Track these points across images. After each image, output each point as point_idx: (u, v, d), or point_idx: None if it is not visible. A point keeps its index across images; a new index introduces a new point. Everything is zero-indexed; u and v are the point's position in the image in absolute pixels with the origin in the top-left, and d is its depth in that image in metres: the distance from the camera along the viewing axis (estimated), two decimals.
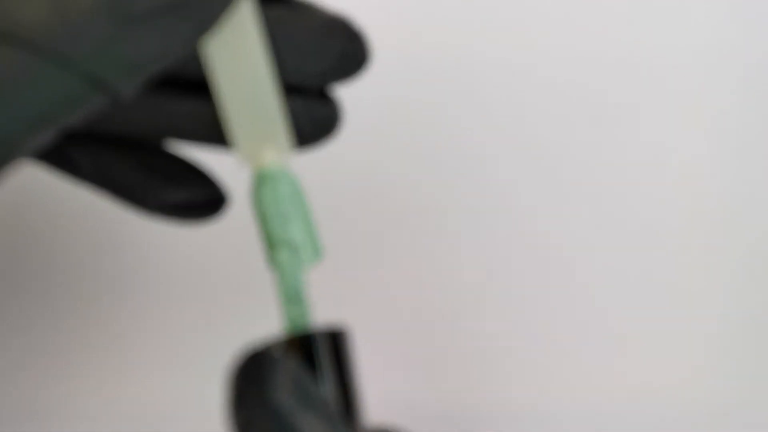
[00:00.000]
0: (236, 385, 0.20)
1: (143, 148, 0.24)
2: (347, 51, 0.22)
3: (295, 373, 0.20)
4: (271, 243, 0.23)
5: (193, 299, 0.40)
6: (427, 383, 0.39)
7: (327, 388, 0.21)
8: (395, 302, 0.40)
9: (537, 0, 0.41)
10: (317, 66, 0.22)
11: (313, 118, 0.23)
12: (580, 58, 0.41)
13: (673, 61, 0.41)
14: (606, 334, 0.39)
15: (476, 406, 0.39)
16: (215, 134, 0.23)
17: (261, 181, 0.23)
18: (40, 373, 0.40)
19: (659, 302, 0.40)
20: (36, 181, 0.39)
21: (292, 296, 0.22)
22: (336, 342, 0.22)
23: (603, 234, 0.40)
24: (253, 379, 0.20)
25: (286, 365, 0.20)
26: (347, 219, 0.39)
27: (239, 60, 0.22)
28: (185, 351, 0.40)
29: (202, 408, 0.39)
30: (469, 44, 0.41)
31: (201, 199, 0.24)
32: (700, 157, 0.40)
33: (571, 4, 0.41)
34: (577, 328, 0.39)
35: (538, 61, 0.41)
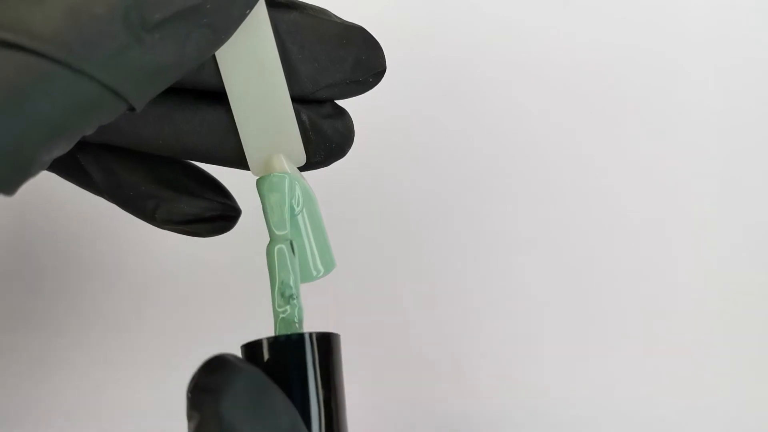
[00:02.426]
0: (193, 392, 0.20)
1: (156, 159, 0.24)
2: (362, 60, 0.22)
3: (255, 381, 0.20)
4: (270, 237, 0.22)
5: (194, 299, 0.40)
6: (418, 386, 0.39)
7: (297, 395, 0.21)
8: (386, 305, 0.40)
9: (541, 3, 0.41)
10: (332, 75, 0.22)
11: (325, 132, 0.23)
12: (582, 60, 0.41)
13: (674, 64, 0.41)
14: (603, 335, 0.39)
15: (467, 409, 0.39)
16: (226, 145, 0.22)
17: (269, 188, 0.22)
18: (40, 373, 0.40)
19: (657, 303, 0.39)
20: (38, 183, 0.39)
21: (287, 291, 0.22)
22: (320, 347, 0.21)
23: (601, 234, 0.40)
24: (208, 387, 0.19)
25: (247, 373, 0.20)
26: (339, 224, 0.39)
27: (253, 68, 0.21)
28: (185, 351, 0.40)
29: None
30: (470, 49, 0.41)
31: (212, 213, 0.24)
32: (701, 157, 0.40)
33: (574, 8, 0.41)
34: (572, 330, 0.39)
35: (540, 64, 0.41)
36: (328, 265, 0.23)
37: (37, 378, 0.40)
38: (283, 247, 0.22)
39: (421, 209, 0.40)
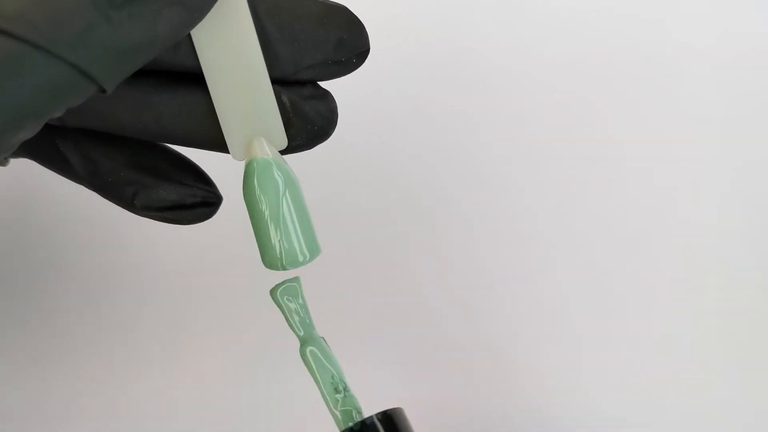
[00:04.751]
0: None
1: (135, 145, 0.23)
2: (344, 40, 0.21)
3: None
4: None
5: (194, 299, 0.40)
6: (438, 384, 0.39)
7: None
8: (401, 304, 0.39)
9: (545, 4, 0.41)
10: (312, 56, 0.21)
11: (307, 114, 0.22)
12: (582, 61, 0.40)
13: (675, 63, 0.40)
14: (608, 335, 0.39)
15: (486, 407, 0.39)
16: (206, 128, 0.22)
17: (252, 175, 0.22)
18: (40, 374, 0.39)
19: (664, 303, 0.39)
20: (39, 183, 0.39)
21: (337, 385, 0.22)
22: (396, 423, 0.22)
23: (605, 235, 0.39)
24: None
25: None
26: (353, 221, 0.39)
27: (230, 49, 0.21)
28: (186, 350, 0.39)
29: (202, 407, 0.39)
30: (472, 45, 0.41)
31: (192, 200, 0.23)
32: (702, 158, 0.40)
33: (577, 9, 0.41)
34: (580, 329, 0.39)
35: (540, 63, 0.40)
36: (314, 250, 0.23)
37: (37, 378, 0.40)
38: (314, 348, 0.22)
39: (427, 205, 0.40)
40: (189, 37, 0.21)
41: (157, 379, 0.39)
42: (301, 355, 0.22)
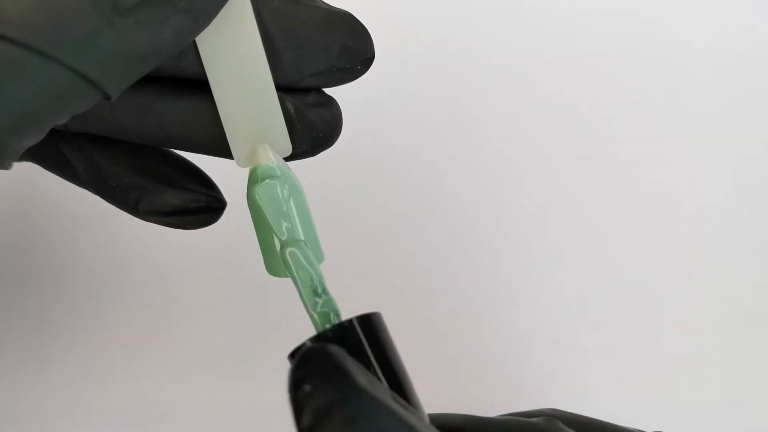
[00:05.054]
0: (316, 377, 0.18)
1: (140, 150, 0.23)
2: (349, 47, 0.21)
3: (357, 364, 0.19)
4: (275, 244, 0.22)
5: (193, 299, 0.40)
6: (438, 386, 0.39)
7: (381, 373, 0.20)
8: (402, 305, 0.39)
9: (545, 4, 0.41)
10: (317, 63, 0.21)
11: (311, 121, 0.22)
12: (582, 61, 0.40)
13: (675, 63, 0.40)
14: (608, 335, 0.39)
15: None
16: (210, 135, 0.22)
17: (257, 181, 0.22)
18: (40, 374, 0.39)
19: (664, 303, 0.39)
20: (38, 183, 0.39)
21: (316, 288, 0.21)
22: (375, 326, 0.21)
23: (604, 234, 0.39)
24: (333, 369, 0.18)
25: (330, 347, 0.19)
26: (354, 221, 0.39)
27: (235, 56, 0.21)
28: (185, 350, 0.39)
29: (203, 407, 0.39)
30: (472, 45, 0.41)
31: (196, 205, 0.23)
32: (702, 158, 0.40)
33: (577, 9, 0.41)
34: (579, 329, 0.39)
35: (540, 63, 0.40)
36: (318, 257, 0.23)
37: (37, 378, 0.40)
38: (295, 250, 0.22)
39: (432, 206, 0.40)
40: (194, 43, 0.20)
41: (158, 380, 0.39)
42: (281, 257, 0.22)
